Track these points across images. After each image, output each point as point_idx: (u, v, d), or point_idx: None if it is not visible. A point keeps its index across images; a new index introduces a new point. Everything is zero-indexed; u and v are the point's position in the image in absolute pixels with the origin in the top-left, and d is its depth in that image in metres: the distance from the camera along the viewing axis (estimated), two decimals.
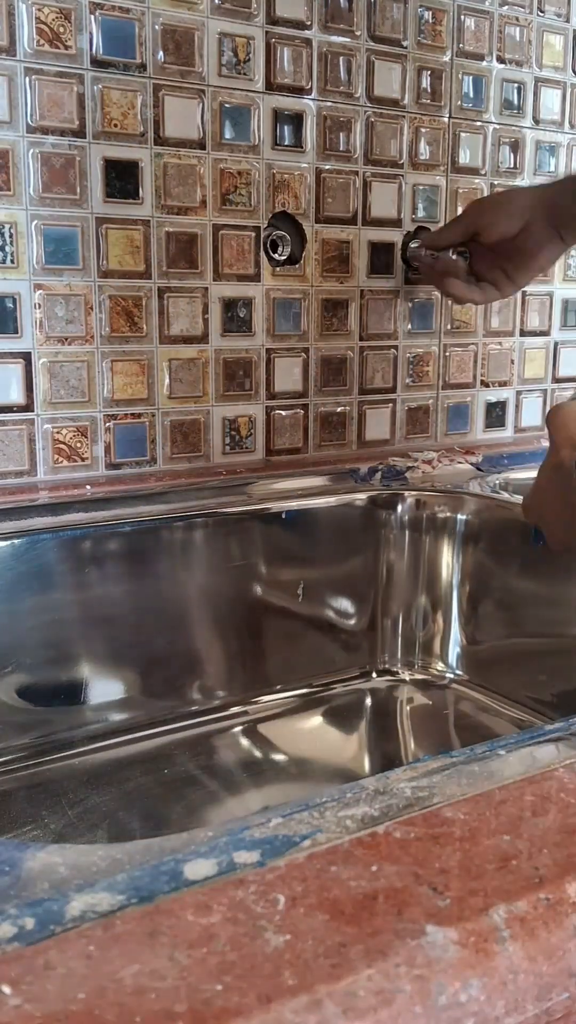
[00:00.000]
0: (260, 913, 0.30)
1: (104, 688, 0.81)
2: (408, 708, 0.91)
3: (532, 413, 1.23)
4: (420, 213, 1.07)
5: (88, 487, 0.86)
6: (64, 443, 0.88)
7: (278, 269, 0.98)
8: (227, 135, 0.92)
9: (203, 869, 0.32)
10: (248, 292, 0.96)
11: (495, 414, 1.19)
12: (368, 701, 0.92)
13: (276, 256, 0.97)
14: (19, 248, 0.83)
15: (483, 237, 0.93)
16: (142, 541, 0.81)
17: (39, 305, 0.85)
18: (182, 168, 0.90)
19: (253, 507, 0.87)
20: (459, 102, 1.08)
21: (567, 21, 1.15)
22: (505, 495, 0.92)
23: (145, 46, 0.86)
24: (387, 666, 0.95)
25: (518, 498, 0.90)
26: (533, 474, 1.05)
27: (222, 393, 0.96)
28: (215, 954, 0.28)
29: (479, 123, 1.10)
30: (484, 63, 1.09)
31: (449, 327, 1.12)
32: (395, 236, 1.05)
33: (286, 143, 0.96)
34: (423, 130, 1.05)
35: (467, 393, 1.16)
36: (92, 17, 0.83)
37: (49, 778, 0.75)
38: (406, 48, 1.02)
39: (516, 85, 1.12)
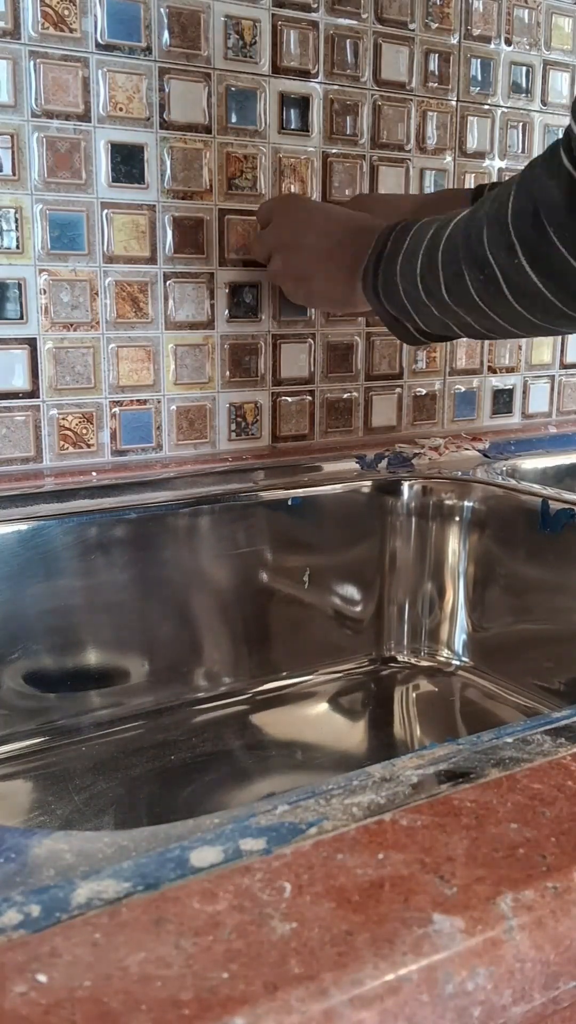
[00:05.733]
0: (266, 901, 0.30)
1: (111, 674, 0.81)
2: (414, 695, 0.91)
3: (539, 399, 1.22)
4: None
5: (94, 474, 0.86)
6: (70, 429, 0.88)
7: None
8: (233, 119, 0.91)
9: (209, 856, 0.32)
10: (254, 277, 0.95)
11: (502, 400, 1.19)
12: (374, 688, 0.92)
13: None
14: (24, 233, 0.83)
15: None
16: (148, 528, 0.81)
17: (44, 291, 0.84)
18: (188, 152, 0.89)
19: (259, 493, 0.87)
20: (467, 85, 1.07)
21: None
22: (512, 482, 0.92)
23: (151, 29, 0.85)
24: (393, 653, 0.95)
25: (526, 485, 0.90)
26: (540, 461, 1.05)
27: (228, 379, 0.96)
28: (221, 942, 0.28)
29: (487, 106, 1.09)
30: (492, 46, 1.08)
31: None
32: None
33: (292, 127, 0.95)
34: (431, 114, 1.04)
35: (474, 379, 1.16)
36: (97, 0, 0.82)
37: (56, 764, 0.76)
38: (413, 31, 1.01)
39: (524, 68, 1.11)
